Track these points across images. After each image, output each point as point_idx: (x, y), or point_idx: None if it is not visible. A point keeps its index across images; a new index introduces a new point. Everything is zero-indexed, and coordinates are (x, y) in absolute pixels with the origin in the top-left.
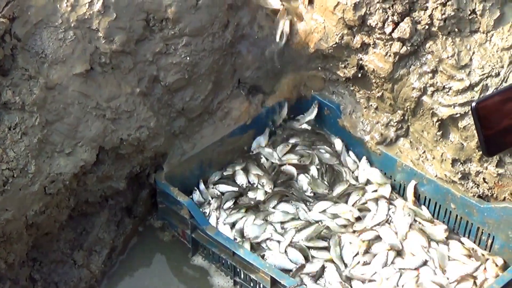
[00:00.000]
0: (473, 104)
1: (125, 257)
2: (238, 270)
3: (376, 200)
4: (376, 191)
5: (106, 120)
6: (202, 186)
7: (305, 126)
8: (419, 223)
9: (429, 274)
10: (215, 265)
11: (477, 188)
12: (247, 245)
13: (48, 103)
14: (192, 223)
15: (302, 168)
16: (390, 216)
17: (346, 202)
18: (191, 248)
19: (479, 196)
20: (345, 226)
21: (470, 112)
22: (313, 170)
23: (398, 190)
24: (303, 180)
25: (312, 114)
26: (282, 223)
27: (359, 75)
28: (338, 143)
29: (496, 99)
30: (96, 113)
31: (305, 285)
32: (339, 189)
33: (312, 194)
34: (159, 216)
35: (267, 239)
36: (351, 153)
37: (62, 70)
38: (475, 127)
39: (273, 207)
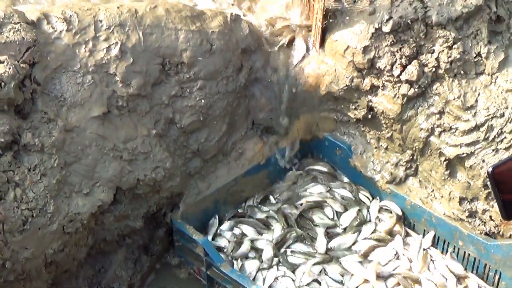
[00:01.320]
0: (489, 169)
1: None
2: None
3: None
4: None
5: (123, 161)
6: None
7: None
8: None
9: None
10: None
11: (484, 225)
12: None
13: (66, 145)
14: (207, 260)
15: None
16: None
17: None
18: (207, 285)
19: (486, 234)
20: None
21: (478, 154)
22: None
23: (408, 227)
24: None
25: None
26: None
27: (369, 116)
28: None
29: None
30: (113, 154)
31: None
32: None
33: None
34: (176, 254)
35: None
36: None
37: (80, 113)
38: (492, 191)
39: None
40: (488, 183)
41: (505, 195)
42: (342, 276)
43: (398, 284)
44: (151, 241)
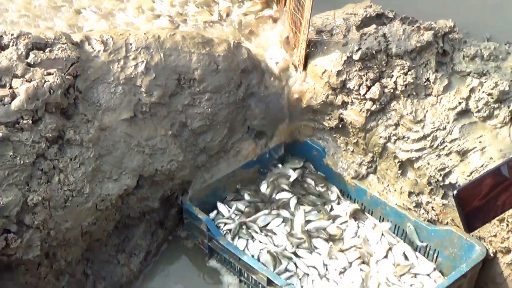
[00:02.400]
0: (454, 192)
1: (157, 259)
2: (243, 271)
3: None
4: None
5: (145, 155)
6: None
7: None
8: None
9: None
10: (225, 267)
11: (427, 214)
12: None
13: (100, 141)
14: (208, 234)
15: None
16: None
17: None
18: (208, 253)
19: (428, 220)
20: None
21: (424, 158)
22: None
23: (368, 213)
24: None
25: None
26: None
27: (340, 125)
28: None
29: (472, 185)
30: (137, 149)
31: (293, 284)
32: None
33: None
34: (184, 229)
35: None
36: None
37: (112, 116)
38: (457, 209)
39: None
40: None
41: (465, 209)
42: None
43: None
44: (166, 218)
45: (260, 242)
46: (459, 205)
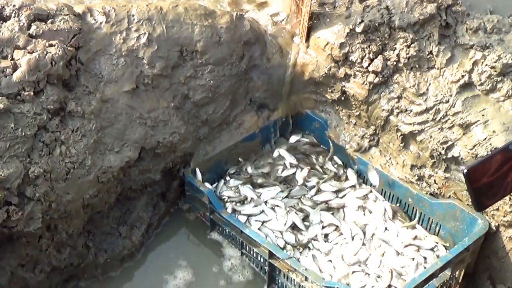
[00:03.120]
0: (465, 170)
1: (159, 231)
2: (244, 244)
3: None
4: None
5: (147, 127)
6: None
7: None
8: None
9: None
10: (227, 240)
11: (429, 187)
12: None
13: (102, 113)
14: (210, 207)
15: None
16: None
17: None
18: (210, 226)
19: (430, 194)
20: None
21: (426, 132)
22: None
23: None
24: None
25: None
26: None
27: (342, 98)
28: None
29: (482, 163)
30: (139, 121)
31: (295, 257)
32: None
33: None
34: (186, 201)
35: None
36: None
37: (114, 88)
38: (467, 186)
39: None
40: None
41: (474, 186)
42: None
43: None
44: (167, 190)
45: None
46: (469, 182)
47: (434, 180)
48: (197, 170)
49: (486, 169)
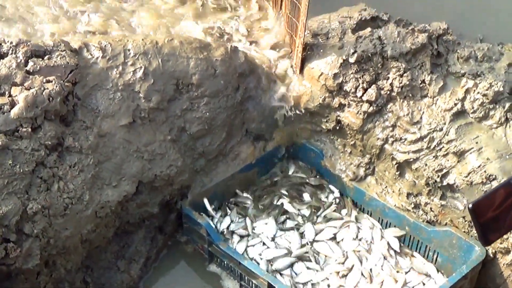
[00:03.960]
0: (469, 205)
1: (157, 265)
2: (243, 275)
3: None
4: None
5: (144, 160)
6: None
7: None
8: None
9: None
10: (226, 272)
11: (426, 215)
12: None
13: (100, 147)
14: (208, 239)
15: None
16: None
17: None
18: (208, 258)
19: (427, 221)
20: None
21: (421, 160)
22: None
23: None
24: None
25: None
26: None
27: (337, 127)
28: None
29: (486, 198)
30: (137, 155)
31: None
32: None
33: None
34: (184, 233)
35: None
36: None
37: (111, 122)
38: (472, 222)
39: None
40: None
41: (480, 221)
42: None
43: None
44: (165, 223)
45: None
46: (474, 217)
47: (430, 208)
48: (205, 200)
49: (490, 203)
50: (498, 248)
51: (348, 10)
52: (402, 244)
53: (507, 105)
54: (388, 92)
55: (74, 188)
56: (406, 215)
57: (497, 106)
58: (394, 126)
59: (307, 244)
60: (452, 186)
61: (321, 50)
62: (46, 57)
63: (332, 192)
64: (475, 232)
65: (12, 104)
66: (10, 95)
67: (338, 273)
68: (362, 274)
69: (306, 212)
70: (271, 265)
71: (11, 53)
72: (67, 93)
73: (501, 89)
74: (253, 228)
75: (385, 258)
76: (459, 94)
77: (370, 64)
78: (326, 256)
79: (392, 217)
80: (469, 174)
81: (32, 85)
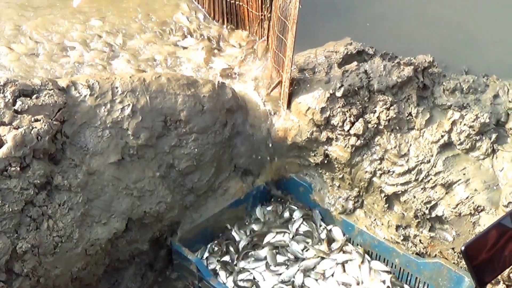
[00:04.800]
0: (462, 247)
1: None
2: None
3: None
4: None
5: (133, 197)
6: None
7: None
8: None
9: None
10: None
11: (415, 247)
12: None
13: (89, 185)
14: (199, 275)
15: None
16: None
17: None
18: None
19: (416, 253)
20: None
21: (410, 192)
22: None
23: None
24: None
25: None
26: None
27: (326, 161)
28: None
29: (478, 239)
30: (126, 192)
31: None
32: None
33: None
34: (174, 270)
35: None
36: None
37: (100, 160)
38: (466, 264)
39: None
40: (419, 214)
41: (473, 263)
42: None
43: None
44: (155, 260)
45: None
46: (468, 260)
47: (420, 240)
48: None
49: (482, 245)
50: None
51: (334, 44)
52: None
53: (494, 136)
54: (375, 126)
55: (63, 226)
56: (395, 247)
57: (484, 138)
58: (382, 159)
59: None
60: (440, 218)
61: (308, 85)
62: (34, 96)
63: (321, 224)
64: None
65: (1, 144)
66: None
67: None
68: None
69: (296, 247)
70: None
71: None
72: (56, 131)
73: (487, 120)
74: (244, 263)
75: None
76: (446, 126)
77: (357, 98)
78: None
79: (382, 250)
80: (457, 205)
81: (20, 124)
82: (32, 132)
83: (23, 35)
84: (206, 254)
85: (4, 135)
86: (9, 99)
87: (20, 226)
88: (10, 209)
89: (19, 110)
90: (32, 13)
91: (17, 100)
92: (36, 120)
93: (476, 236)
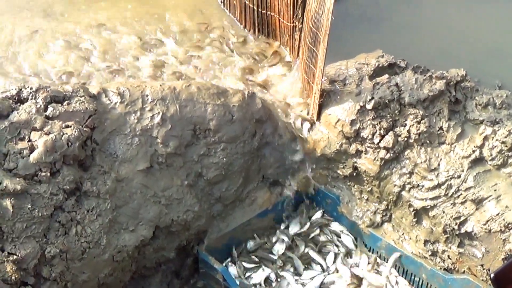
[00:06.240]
0: (491, 275)
1: None
2: None
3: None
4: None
5: (161, 205)
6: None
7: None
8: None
9: None
10: None
11: (443, 263)
12: None
13: (117, 192)
14: (225, 284)
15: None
16: None
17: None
18: None
19: (444, 269)
20: None
21: (439, 207)
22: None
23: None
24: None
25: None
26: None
27: (354, 174)
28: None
29: (507, 267)
30: (154, 200)
31: None
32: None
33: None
34: (200, 278)
35: None
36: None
37: (129, 167)
38: None
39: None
40: (447, 229)
41: None
42: None
43: None
44: (181, 268)
45: None
46: (497, 287)
47: (448, 256)
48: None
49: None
50: None
51: (365, 56)
52: None
53: None
54: (406, 139)
55: (91, 232)
56: (423, 262)
57: None
58: (411, 173)
59: None
60: (470, 234)
61: (338, 97)
62: (65, 103)
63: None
64: None
65: (32, 149)
66: (29, 140)
67: None
68: None
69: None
70: None
71: (31, 99)
72: (86, 138)
73: None
74: (275, 276)
75: None
76: (477, 141)
77: (388, 110)
78: None
79: (409, 265)
80: (487, 222)
81: (51, 130)
82: (62, 138)
83: None
84: (232, 264)
85: (35, 140)
86: (40, 105)
87: (49, 231)
88: (40, 214)
89: (50, 116)
90: None
91: (49, 106)
92: (67, 126)
93: (506, 263)
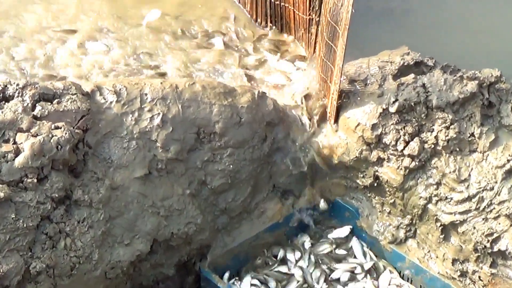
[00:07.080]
0: None
1: None
2: None
3: None
4: None
5: (160, 216)
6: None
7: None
8: None
9: None
10: None
11: (474, 284)
12: None
13: (112, 201)
14: None
15: None
16: None
17: None
18: None
19: None
20: None
21: (469, 222)
22: None
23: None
24: None
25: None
26: None
27: (375, 184)
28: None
29: None
30: (152, 210)
31: None
32: None
33: None
34: None
35: None
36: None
37: (125, 174)
38: None
39: None
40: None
41: None
42: None
43: None
44: (181, 286)
45: None
46: None
47: (479, 277)
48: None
49: None
50: None
51: (389, 54)
52: None
53: None
54: (433, 146)
55: (82, 246)
56: (451, 283)
57: None
58: (438, 184)
59: None
60: (503, 253)
61: (359, 98)
62: (55, 101)
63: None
64: None
65: (17, 152)
66: (15, 142)
67: None
68: None
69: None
70: None
71: (17, 96)
72: (77, 141)
73: None
74: None
75: None
76: None
77: (413, 114)
78: None
79: (436, 286)
80: None
81: (39, 131)
82: (51, 140)
83: None
84: (239, 283)
85: (21, 142)
86: (28, 104)
87: (35, 244)
88: (25, 225)
89: (39, 115)
90: None
91: (37, 104)
92: (57, 128)
93: None
